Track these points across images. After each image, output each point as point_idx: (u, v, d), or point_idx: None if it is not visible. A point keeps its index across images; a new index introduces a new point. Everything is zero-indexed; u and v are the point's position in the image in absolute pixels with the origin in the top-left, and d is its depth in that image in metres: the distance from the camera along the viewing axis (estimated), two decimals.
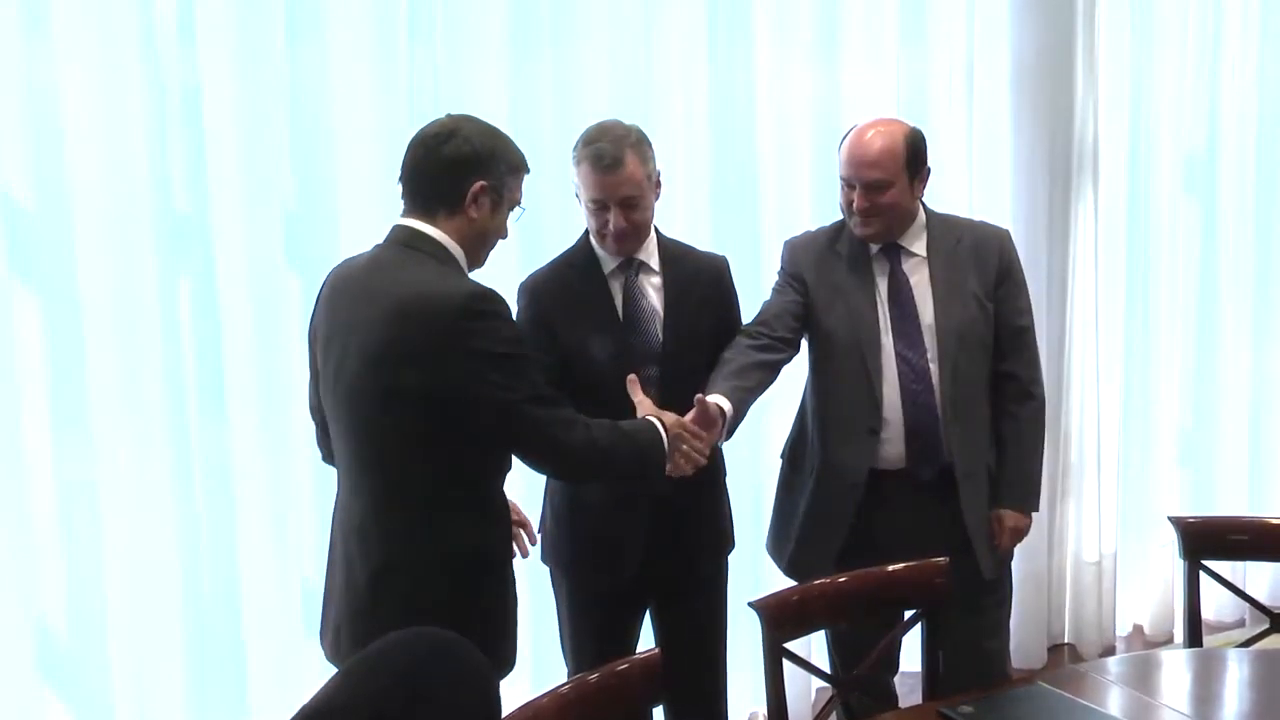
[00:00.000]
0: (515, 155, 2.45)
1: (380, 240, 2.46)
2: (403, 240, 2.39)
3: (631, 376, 2.70)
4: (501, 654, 2.43)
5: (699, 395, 2.71)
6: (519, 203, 2.46)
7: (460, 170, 2.37)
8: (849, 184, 2.95)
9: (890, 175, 2.91)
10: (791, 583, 2.94)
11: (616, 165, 2.74)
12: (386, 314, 2.29)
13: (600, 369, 2.79)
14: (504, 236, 2.47)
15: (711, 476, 2.89)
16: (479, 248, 2.43)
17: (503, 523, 2.47)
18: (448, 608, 2.30)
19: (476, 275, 2.43)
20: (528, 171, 2.48)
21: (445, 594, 2.33)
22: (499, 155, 2.40)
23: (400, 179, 2.43)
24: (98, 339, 3.02)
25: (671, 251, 2.93)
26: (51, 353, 3.03)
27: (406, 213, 2.42)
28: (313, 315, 2.52)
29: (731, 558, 3.12)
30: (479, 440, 2.34)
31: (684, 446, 2.60)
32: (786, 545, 3.11)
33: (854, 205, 2.94)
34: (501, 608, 2.45)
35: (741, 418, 2.83)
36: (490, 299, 2.32)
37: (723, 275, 3.01)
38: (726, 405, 2.75)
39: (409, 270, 2.34)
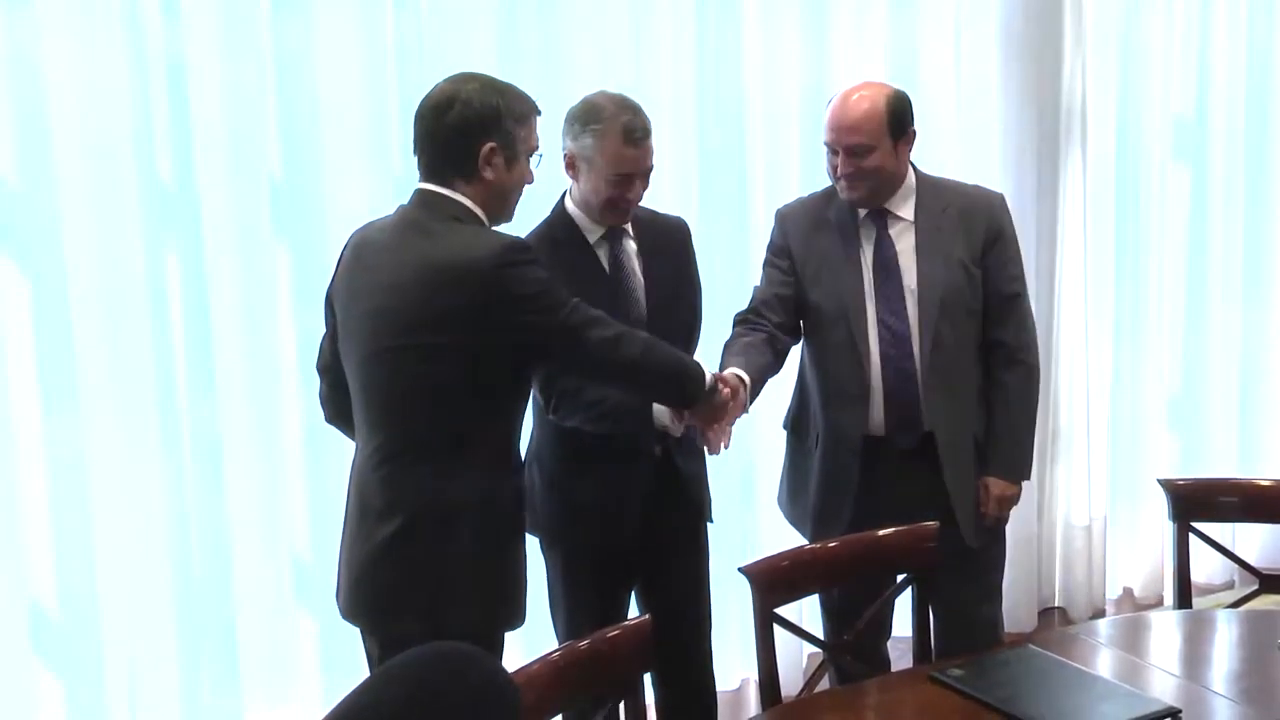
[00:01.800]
0: (521, 105, 2.46)
1: (387, 208, 2.53)
2: (427, 203, 2.43)
3: None
4: (515, 606, 2.49)
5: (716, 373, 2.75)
6: (536, 148, 2.48)
7: (467, 136, 2.40)
8: (832, 149, 2.94)
9: (873, 139, 2.90)
10: (783, 548, 2.95)
11: (647, 137, 2.78)
12: (421, 274, 2.35)
13: None
14: (530, 182, 2.51)
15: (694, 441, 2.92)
16: (501, 204, 2.48)
17: (518, 474, 2.52)
18: (467, 558, 2.39)
19: None
20: (539, 114, 2.49)
21: (464, 544, 2.38)
22: (503, 111, 2.42)
23: (414, 150, 2.47)
24: (85, 314, 3.01)
25: (639, 216, 2.94)
26: (38, 329, 3.02)
27: (424, 179, 2.46)
28: (333, 276, 2.56)
29: (721, 524, 3.13)
30: (506, 378, 2.42)
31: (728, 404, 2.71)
32: (806, 517, 3.10)
33: (838, 170, 2.93)
34: (515, 559, 2.50)
35: (757, 392, 2.87)
36: (520, 248, 2.40)
37: (687, 237, 3.04)
38: (746, 376, 2.79)
39: (437, 231, 2.39)
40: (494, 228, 2.47)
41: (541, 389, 2.77)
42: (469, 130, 2.39)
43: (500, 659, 2.47)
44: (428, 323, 2.35)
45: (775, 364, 2.97)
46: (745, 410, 2.84)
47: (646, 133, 2.77)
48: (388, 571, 2.41)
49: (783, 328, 3.00)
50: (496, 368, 2.39)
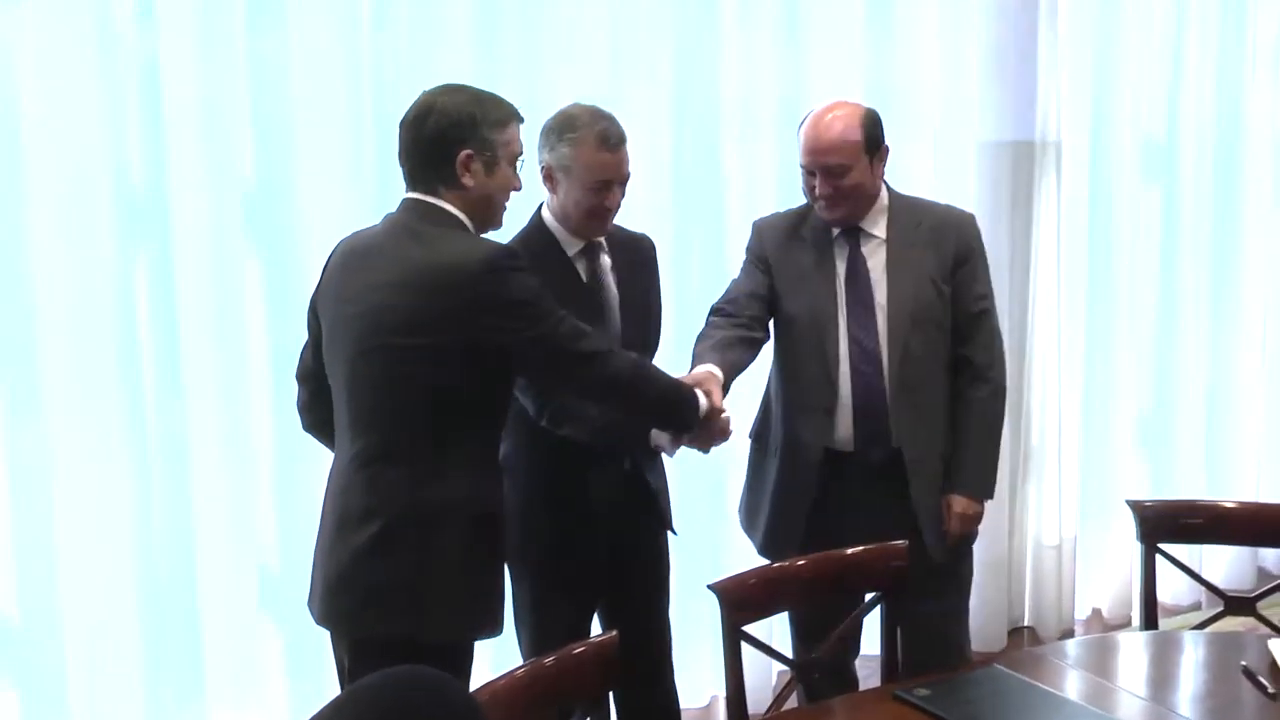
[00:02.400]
0: (498, 111, 2.48)
1: (361, 218, 2.59)
2: (416, 210, 2.46)
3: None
4: (493, 614, 2.49)
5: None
6: (519, 154, 2.50)
7: (445, 145, 2.43)
8: (809, 171, 2.95)
9: (849, 158, 2.91)
10: (761, 562, 2.95)
11: (622, 143, 2.80)
12: (413, 276, 2.38)
13: None
14: (517, 189, 2.52)
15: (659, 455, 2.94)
16: (487, 210, 2.49)
17: (500, 480, 2.52)
18: (445, 564, 2.39)
19: None
20: (520, 120, 2.50)
21: (443, 550, 2.39)
22: (479, 118, 2.44)
23: (399, 160, 2.50)
24: (52, 319, 2.98)
25: (611, 232, 2.94)
26: (4, 333, 2.99)
27: (410, 189, 2.49)
28: (319, 284, 2.58)
29: (690, 537, 3.13)
30: (486, 385, 2.43)
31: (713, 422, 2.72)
32: (759, 525, 3.12)
33: (816, 191, 2.94)
34: (494, 567, 2.50)
35: (727, 390, 2.85)
36: (509, 255, 2.42)
37: (652, 253, 3.06)
38: (719, 373, 2.79)
39: (430, 235, 2.42)
40: (484, 235, 2.50)
41: (534, 394, 2.76)
42: (446, 138, 2.42)
43: (470, 668, 2.47)
44: (416, 324, 2.37)
45: (749, 358, 2.96)
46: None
47: (622, 139, 2.79)
48: (366, 575, 2.41)
49: (756, 322, 3.00)
50: (482, 373, 2.41)
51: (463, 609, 2.43)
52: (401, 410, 2.41)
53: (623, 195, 2.83)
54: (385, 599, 2.40)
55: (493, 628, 2.50)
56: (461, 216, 2.45)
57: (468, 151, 2.42)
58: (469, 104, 2.45)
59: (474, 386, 2.41)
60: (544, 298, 2.43)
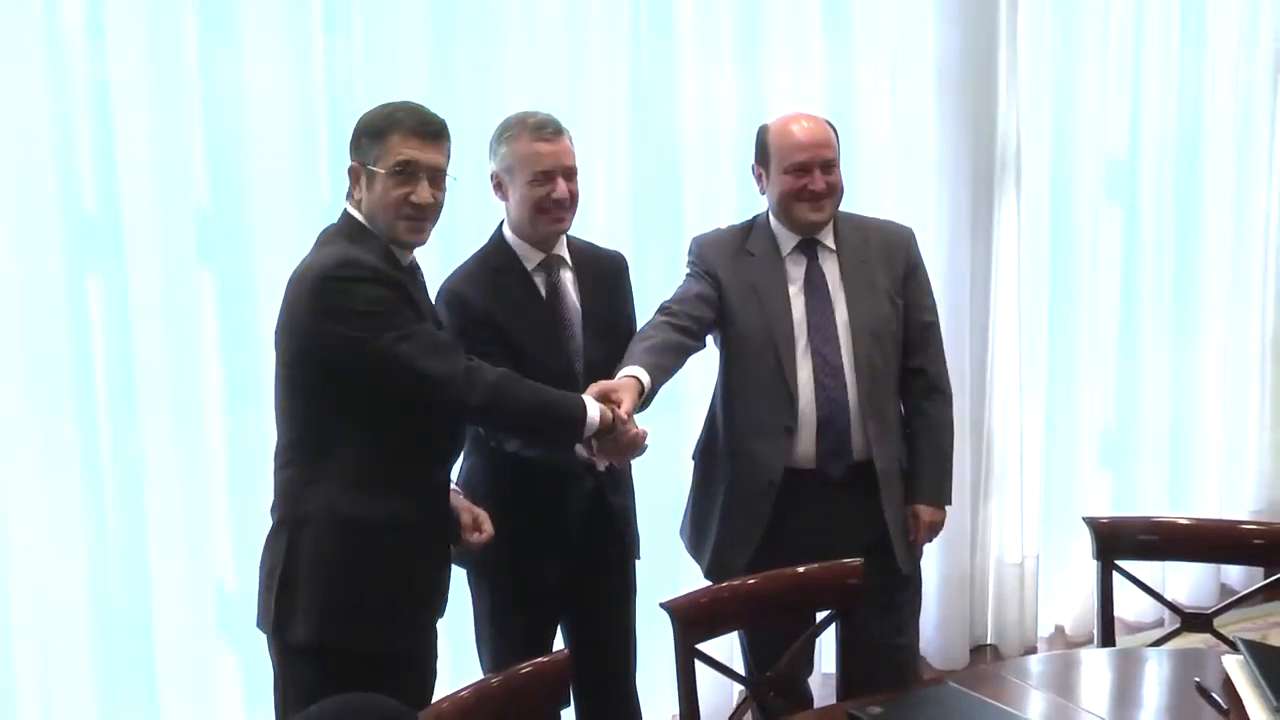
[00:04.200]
0: (379, 121, 2.48)
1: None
2: (336, 222, 2.53)
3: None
4: (358, 623, 2.44)
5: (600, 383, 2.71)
6: (394, 166, 2.43)
7: (348, 156, 2.51)
8: (803, 168, 2.94)
9: (836, 153, 2.99)
10: (708, 584, 2.93)
11: (560, 133, 2.81)
12: (285, 291, 2.46)
13: (537, 365, 2.75)
14: (413, 202, 2.45)
15: (627, 475, 2.92)
16: (384, 223, 2.49)
17: (380, 494, 2.45)
18: (305, 568, 2.43)
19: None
20: (404, 130, 2.45)
21: (304, 554, 2.43)
22: (359, 130, 2.50)
23: None
24: (3, 340, 2.96)
25: (578, 247, 2.95)
26: None
27: None
28: None
29: (649, 560, 3.11)
30: (355, 395, 2.41)
31: (621, 436, 2.64)
32: (705, 547, 3.10)
33: (811, 189, 2.94)
34: (362, 573, 2.44)
35: (654, 395, 2.82)
36: (349, 264, 2.40)
37: (624, 271, 3.04)
38: (645, 378, 2.75)
39: (317, 248, 2.50)
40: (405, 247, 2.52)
41: None
42: (348, 151, 2.51)
43: (406, 682, 2.45)
44: (280, 331, 2.46)
45: (679, 365, 2.92)
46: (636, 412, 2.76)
47: (558, 129, 2.80)
48: (261, 575, 2.52)
49: (700, 325, 2.96)
50: (339, 383, 2.40)
51: (317, 616, 2.42)
52: (290, 415, 2.48)
53: (573, 191, 2.81)
54: (262, 596, 2.49)
55: (364, 636, 2.44)
56: (370, 226, 2.48)
57: (352, 163, 2.49)
58: (365, 116, 2.50)
59: (337, 397, 2.41)
60: (387, 312, 2.40)
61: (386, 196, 2.45)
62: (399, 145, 2.44)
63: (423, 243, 2.54)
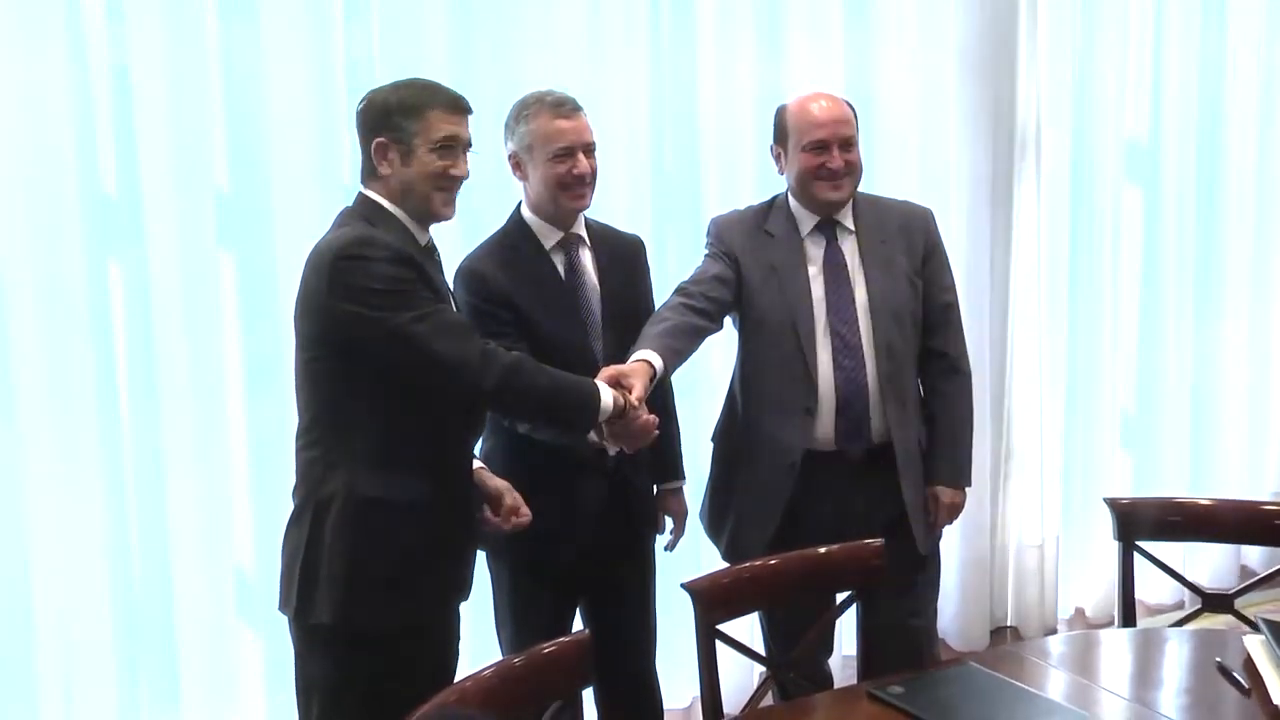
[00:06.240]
0: (413, 97, 2.47)
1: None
2: (352, 204, 2.52)
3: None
4: (377, 604, 2.43)
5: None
6: (437, 141, 2.44)
7: (364, 133, 2.50)
8: (821, 146, 2.94)
9: (855, 133, 2.98)
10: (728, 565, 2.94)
11: (578, 110, 2.82)
12: (303, 271, 2.46)
13: (555, 344, 2.77)
14: (444, 173, 2.45)
15: (646, 455, 2.89)
16: (414, 199, 2.48)
17: (396, 475, 2.44)
18: (324, 549, 2.42)
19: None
20: (441, 106, 2.46)
21: (323, 535, 2.42)
22: (392, 106, 2.46)
23: None
24: (24, 325, 2.96)
25: (596, 228, 2.96)
26: None
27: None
28: None
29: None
30: (373, 376, 2.40)
31: (631, 422, 2.63)
32: (724, 528, 3.10)
33: (829, 166, 2.93)
34: (381, 554, 2.43)
35: (668, 378, 2.82)
36: (366, 243, 2.39)
37: (641, 253, 3.05)
38: (658, 362, 2.74)
39: (334, 229, 2.48)
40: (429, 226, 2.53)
41: None
42: (364, 128, 2.48)
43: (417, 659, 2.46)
44: (299, 313, 2.46)
45: (693, 348, 2.90)
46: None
47: (576, 106, 2.82)
48: (283, 558, 2.52)
49: (718, 307, 2.95)
50: (356, 364, 2.41)
51: (336, 597, 2.42)
52: (310, 396, 2.48)
53: (593, 167, 2.82)
54: (284, 579, 2.50)
55: (386, 616, 2.44)
56: (389, 207, 2.47)
57: (380, 140, 2.45)
58: (390, 93, 2.48)
59: (352, 378, 2.41)
60: (401, 291, 2.38)
61: (426, 169, 2.45)
62: (440, 121, 2.45)
63: (451, 216, 2.54)
